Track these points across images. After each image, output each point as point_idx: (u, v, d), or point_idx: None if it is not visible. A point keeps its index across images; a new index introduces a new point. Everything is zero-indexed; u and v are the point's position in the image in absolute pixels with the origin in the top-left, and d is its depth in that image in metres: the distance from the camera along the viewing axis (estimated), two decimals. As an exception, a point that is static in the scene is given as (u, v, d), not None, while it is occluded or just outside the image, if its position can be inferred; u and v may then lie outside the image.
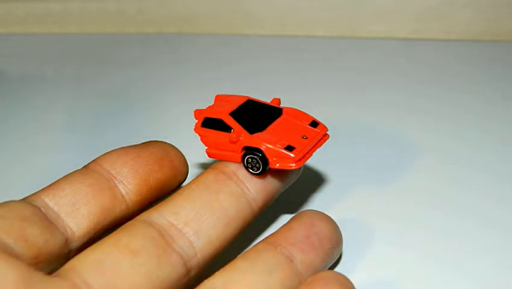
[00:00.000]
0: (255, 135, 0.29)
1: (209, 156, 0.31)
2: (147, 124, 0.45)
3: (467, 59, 0.52)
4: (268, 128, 0.29)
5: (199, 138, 0.31)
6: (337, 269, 0.30)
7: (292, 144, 0.28)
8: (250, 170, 0.29)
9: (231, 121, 0.29)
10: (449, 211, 0.34)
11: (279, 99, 0.32)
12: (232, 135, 0.29)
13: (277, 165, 0.28)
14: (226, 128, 0.29)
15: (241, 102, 0.31)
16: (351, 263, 0.30)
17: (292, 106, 0.31)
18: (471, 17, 0.54)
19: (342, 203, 0.35)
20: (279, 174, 0.30)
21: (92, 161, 0.29)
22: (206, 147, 0.31)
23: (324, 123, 0.31)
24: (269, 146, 0.28)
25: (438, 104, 0.45)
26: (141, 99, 0.49)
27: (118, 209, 0.28)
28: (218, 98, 0.32)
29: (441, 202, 0.35)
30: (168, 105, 0.47)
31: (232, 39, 0.58)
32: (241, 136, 0.29)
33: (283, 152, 0.28)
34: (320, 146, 0.30)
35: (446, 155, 0.39)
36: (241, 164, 0.29)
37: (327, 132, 0.30)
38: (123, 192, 0.28)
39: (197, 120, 0.31)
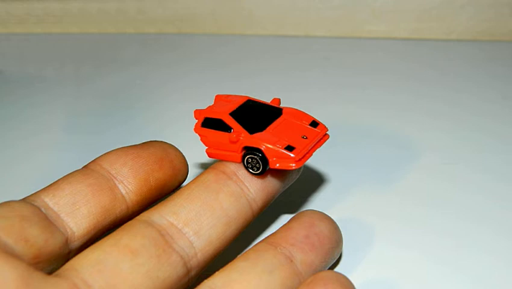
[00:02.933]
0: (255, 135, 0.29)
1: (209, 156, 0.31)
2: (147, 124, 0.45)
3: (467, 59, 0.52)
4: (268, 128, 0.29)
5: (199, 138, 0.31)
6: (337, 269, 0.30)
7: (292, 144, 0.28)
8: (250, 170, 0.29)
9: (231, 121, 0.29)
10: (449, 211, 0.34)
11: (279, 99, 0.32)
12: (232, 135, 0.29)
13: (277, 165, 0.28)
14: (226, 128, 0.29)
15: (241, 102, 0.31)
16: (351, 263, 0.30)
17: (292, 106, 0.31)
18: (471, 17, 0.54)
19: (342, 203, 0.35)
20: (279, 174, 0.30)
21: (92, 161, 0.29)
22: (206, 147, 0.31)
23: (324, 123, 0.31)
24: (269, 146, 0.28)
25: (438, 104, 0.45)
26: (141, 99, 0.49)
27: (118, 209, 0.28)
28: (218, 98, 0.32)
29: (441, 202, 0.35)
30: (168, 105, 0.47)
31: (232, 39, 0.58)
32: (241, 136, 0.29)
33: (283, 152, 0.28)
34: (320, 146, 0.30)
35: (446, 155, 0.39)
36: (241, 164, 0.29)
37: (327, 132, 0.30)
38: (123, 192, 0.28)
39: (197, 120, 0.31)
